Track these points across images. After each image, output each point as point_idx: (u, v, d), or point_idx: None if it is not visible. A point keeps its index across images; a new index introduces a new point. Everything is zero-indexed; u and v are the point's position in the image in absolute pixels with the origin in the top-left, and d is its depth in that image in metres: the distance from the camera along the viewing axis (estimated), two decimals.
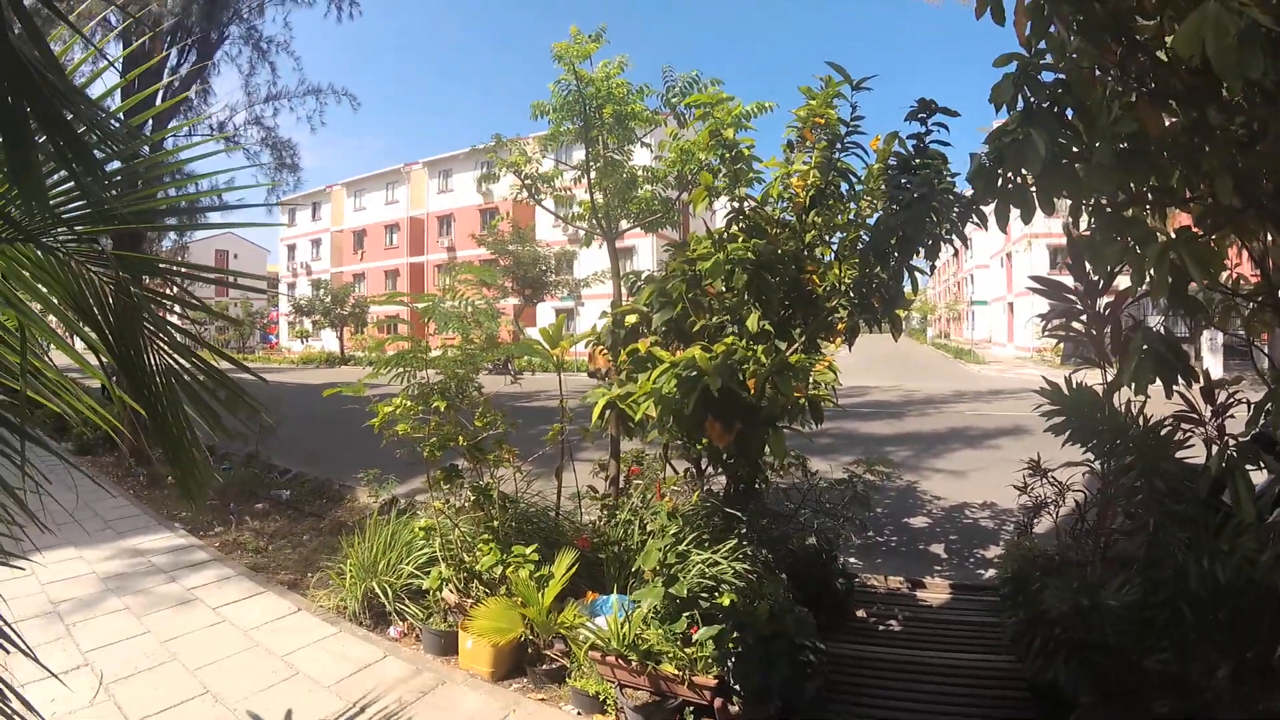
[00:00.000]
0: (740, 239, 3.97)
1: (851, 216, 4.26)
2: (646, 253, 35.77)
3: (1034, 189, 2.55)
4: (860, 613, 4.73)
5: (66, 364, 2.24)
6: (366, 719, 3.61)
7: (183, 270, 2.45)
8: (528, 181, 6.34)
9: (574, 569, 4.27)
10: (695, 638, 3.48)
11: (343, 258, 55.61)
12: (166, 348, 1.93)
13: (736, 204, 4.30)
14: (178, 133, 10.83)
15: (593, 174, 5.92)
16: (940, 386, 23.78)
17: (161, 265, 2.42)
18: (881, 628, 4.58)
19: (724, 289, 3.95)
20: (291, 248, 60.69)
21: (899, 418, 15.81)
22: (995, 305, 45.82)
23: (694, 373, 3.14)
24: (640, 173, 6.16)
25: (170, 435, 1.98)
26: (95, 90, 2.53)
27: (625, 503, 5.02)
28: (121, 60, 8.35)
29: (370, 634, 4.64)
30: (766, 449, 3.58)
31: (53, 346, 2.08)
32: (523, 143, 6.68)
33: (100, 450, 10.37)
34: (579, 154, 6.04)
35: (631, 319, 4.18)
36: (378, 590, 4.77)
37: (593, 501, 5.41)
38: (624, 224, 6.42)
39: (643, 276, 4.78)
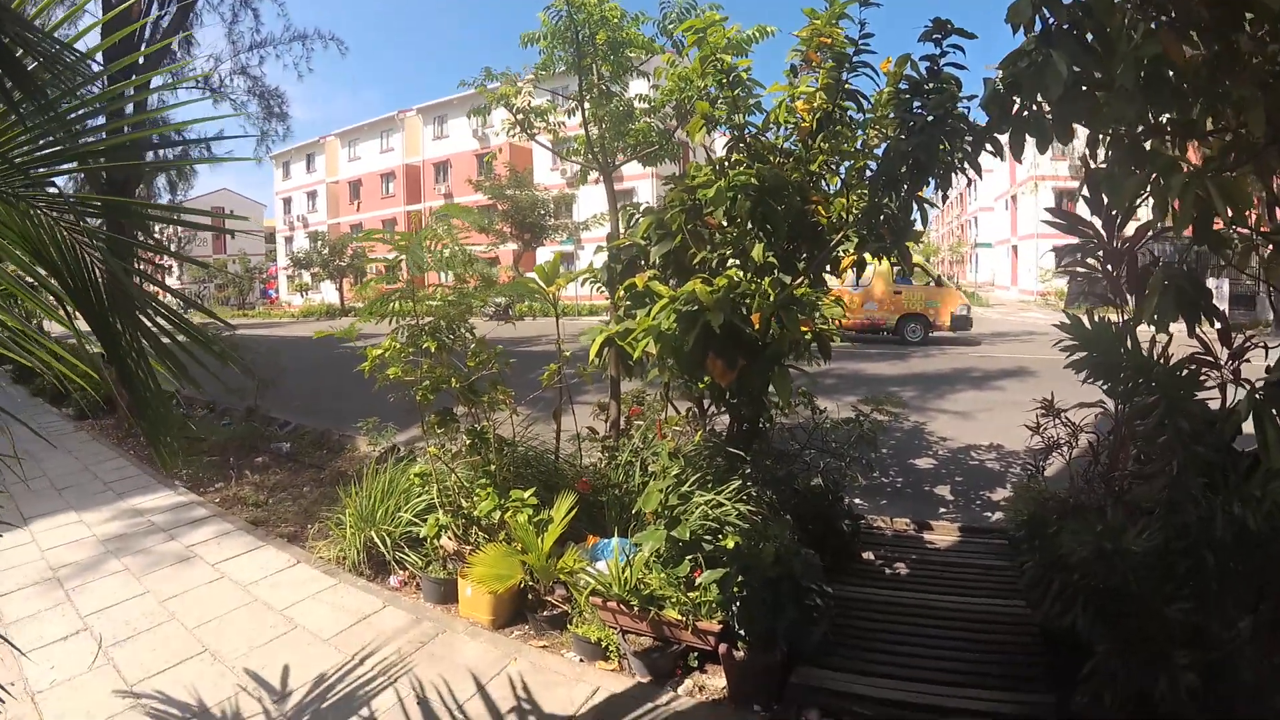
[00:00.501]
0: (742, 166, 3.75)
1: (859, 145, 4.04)
2: (646, 192, 35.06)
3: (1050, 117, 2.43)
4: (867, 555, 4.64)
5: (62, 333, 2.11)
6: (365, 671, 3.55)
7: (172, 218, 2.29)
8: (520, 116, 6.06)
9: (574, 512, 4.17)
10: (698, 581, 3.39)
11: (339, 209, 54.87)
12: (123, 295, 1.79)
13: (736, 133, 4.07)
14: (162, 85, 10.48)
15: (587, 106, 5.65)
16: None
17: (137, 208, 2.27)
18: (888, 570, 4.50)
19: (725, 221, 3.75)
20: (287, 201, 59.85)
21: (904, 359, 15.72)
22: (1000, 248, 45.24)
23: (694, 307, 2.97)
24: (637, 103, 5.88)
25: (138, 389, 1.85)
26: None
27: (626, 444, 4.90)
28: (102, 23, 8.00)
29: (370, 584, 4.58)
30: (770, 388, 3.43)
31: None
32: (514, 77, 6.39)
33: (100, 413, 10.32)
34: (573, 89, 5.77)
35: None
36: (376, 540, 4.69)
37: (592, 443, 5.30)
38: (620, 158, 6.16)
39: (640, 209, 4.57)
